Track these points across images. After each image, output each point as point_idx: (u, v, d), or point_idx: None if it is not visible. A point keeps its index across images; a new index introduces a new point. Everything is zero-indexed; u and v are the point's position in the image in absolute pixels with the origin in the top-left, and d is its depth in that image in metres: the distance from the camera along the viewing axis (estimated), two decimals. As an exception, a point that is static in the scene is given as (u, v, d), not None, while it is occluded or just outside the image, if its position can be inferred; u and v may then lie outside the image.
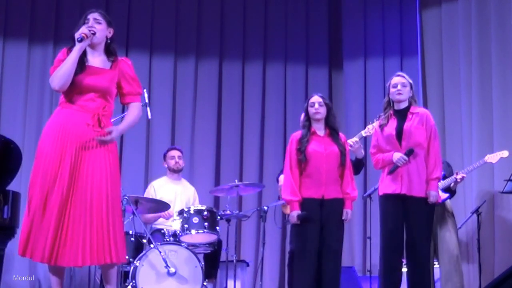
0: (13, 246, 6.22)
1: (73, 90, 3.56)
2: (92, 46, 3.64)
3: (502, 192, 5.90)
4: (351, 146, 5.04)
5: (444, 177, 5.52)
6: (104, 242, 3.48)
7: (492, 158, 5.59)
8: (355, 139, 5.14)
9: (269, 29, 7.91)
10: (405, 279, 4.74)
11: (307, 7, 7.97)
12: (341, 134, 4.84)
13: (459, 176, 5.47)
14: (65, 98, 3.60)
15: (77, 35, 3.55)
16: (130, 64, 3.78)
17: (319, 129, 4.77)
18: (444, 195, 5.47)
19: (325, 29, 7.99)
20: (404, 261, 4.86)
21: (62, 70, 3.51)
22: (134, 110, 3.75)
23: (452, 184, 5.54)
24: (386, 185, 4.70)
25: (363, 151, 5.26)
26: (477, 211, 5.95)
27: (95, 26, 3.60)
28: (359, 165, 5.28)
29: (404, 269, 4.81)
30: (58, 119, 3.58)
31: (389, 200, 4.67)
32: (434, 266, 5.55)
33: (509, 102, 6.33)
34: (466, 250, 6.41)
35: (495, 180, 6.22)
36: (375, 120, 5.55)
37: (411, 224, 4.64)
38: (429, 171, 4.68)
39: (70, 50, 3.60)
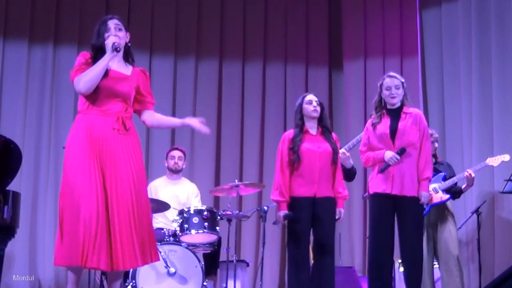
0: (13, 246, 6.25)
1: (95, 95, 3.57)
2: None
3: (502, 192, 5.90)
4: (337, 160, 4.99)
5: (445, 178, 5.53)
6: (129, 246, 3.48)
7: (494, 161, 5.59)
8: (342, 150, 5.12)
9: (269, 29, 7.90)
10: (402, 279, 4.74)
11: (307, 7, 7.97)
12: (333, 134, 4.86)
13: (467, 173, 5.48)
14: (86, 104, 3.59)
15: (115, 44, 3.56)
16: (148, 76, 3.83)
17: (312, 127, 4.78)
18: (445, 196, 5.48)
19: (325, 29, 7.99)
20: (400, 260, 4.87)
21: (91, 75, 3.52)
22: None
23: (464, 185, 5.56)
24: (376, 184, 4.67)
25: (351, 161, 5.25)
26: (477, 211, 5.94)
27: (118, 34, 3.63)
28: (350, 174, 5.29)
29: (401, 269, 4.82)
30: (83, 127, 3.55)
31: (379, 199, 4.65)
32: (434, 266, 5.56)
33: (509, 102, 6.33)
34: (466, 250, 6.41)
35: (495, 180, 6.22)
36: None
37: (404, 223, 4.63)
38: (419, 171, 4.66)
39: (92, 55, 3.61)
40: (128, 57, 3.74)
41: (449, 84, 6.97)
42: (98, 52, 3.62)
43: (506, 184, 5.79)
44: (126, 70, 3.70)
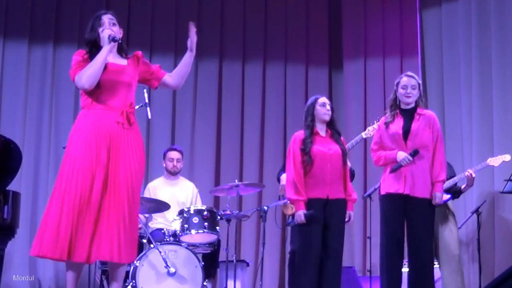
0: (13, 246, 6.25)
1: (97, 90, 3.59)
2: None
3: (502, 192, 5.90)
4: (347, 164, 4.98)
5: (446, 178, 5.53)
6: (120, 240, 3.50)
7: (494, 161, 5.59)
8: None
9: (269, 29, 7.90)
10: (405, 280, 4.74)
11: (307, 7, 7.96)
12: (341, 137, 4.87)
13: (468, 173, 5.47)
14: (89, 99, 3.61)
15: (111, 35, 3.58)
16: (142, 55, 3.83)
17: (322, 129, 4.78)
18: (446, 196, 5.48)
19: (325, 29, 7.99)
20: (405, 261, 4.86)
21: (93, 69, 3.53)
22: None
23: (464, 185, 5.55)
24: (388, 184, 4.68)
25: (349, 163, 5.24)
26: (477, 211, 5.94)
27: (112, 29, 3.65)
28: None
29: (405, 269, 4.81)
30: (87, 121, 3.57)
31: (391, 200, 4.66)
32: (434, 266, 5.55)
33: (509, 102, 6.33)
34: (466, 250, 6.40)
35: (495, 180, 6.21)
36: (375, 121, 5.55)
37: (414, 225, 4.63)
38: (435, 173, 4.66)
39: (88, 52, 3.62)
40: (121, 52, 3.75)
41: (449, 84, 6.97)
42: (93, 47, 3.64)
43: (506, 184, 5.78)
44: (122, 61, 3.72)
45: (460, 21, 6.85)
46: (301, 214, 4.61)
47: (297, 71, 7.88)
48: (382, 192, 4.73)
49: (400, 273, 4.68)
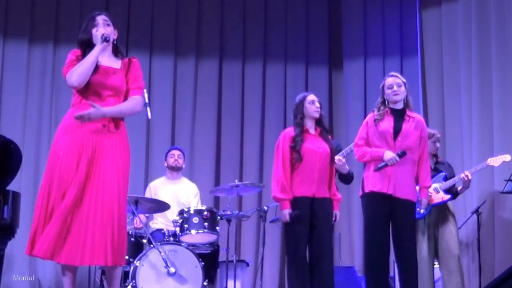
0: (13, 246, 6.25)
1: (86, 90, 3.58)
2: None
3: (502, 192, 5.90)
4: (335, 163, 4.95)
5: (446, 178, 5.52)
6: (107, 243, 3.45)
7: (494, 161, 5.57)
8: (338, 156, 5.04)
9: (269, 29, 7.91)
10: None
11: (307, 7, 7.97)
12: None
13: (464, 174, 5.45)
14: (79, 98, 3.60)
15: (104, 34, 3.57)
16: (138, 62, 3.80)
17: (311, 127, 4.77)
18: (446, 196, 5.47)
19: (325, 29, 8.00)
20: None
21: (83, 67, 3.53)
22: (130, 101, 3.67)
23: (460, 187, 5.54)
24: (373, 183, 4.63)
25: (347, 167, 5.22)
26: (477, 211, 5.95)
27: (106, 29, 3.64)
28: (347, 178, 5.27)
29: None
30: (73, 120, 3.55)
31: (375, 198, 4.62)
32: (435, 266, 5.56)
33: (509, 102, 6.33)
34: (466, 250, 6.40)
35: (495, 180, 6.21)
36: None
37: (398, 225, 4.62)
38: (422, 178, 4.69)
39: (81, 51, 3.62)
40: (117, 53, 3.74)
41: (449, 84, 6.97)
42: (86, 48, 3.63)
43: (506, 184, 5.79)
44: (116, 64, 3.70)
45: (460, 21, 6.85)
46: (286, 214, 4.60)
47: (297, 71, 7.88)
48: (366, 190, 4.68)
49: (387, 274, 4.67)
